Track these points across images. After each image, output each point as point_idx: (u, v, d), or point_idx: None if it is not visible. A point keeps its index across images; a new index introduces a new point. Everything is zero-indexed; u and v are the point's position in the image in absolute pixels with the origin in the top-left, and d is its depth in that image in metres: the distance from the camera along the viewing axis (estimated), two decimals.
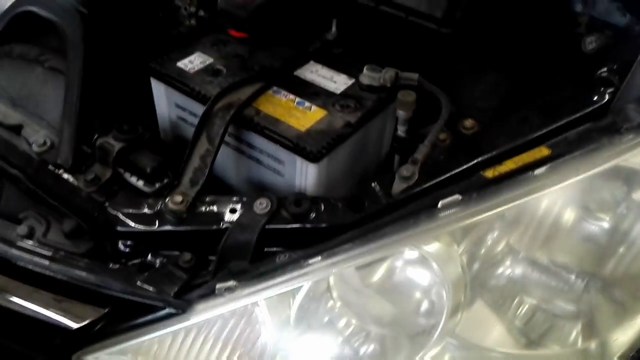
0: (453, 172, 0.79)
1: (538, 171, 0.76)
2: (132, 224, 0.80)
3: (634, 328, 0.76)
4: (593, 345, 0.77)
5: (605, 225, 0.79)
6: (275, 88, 0.95)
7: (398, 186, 0.79)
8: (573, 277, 0.78)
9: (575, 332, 0.78)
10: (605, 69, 0.88)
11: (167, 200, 0.80)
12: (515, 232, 0.78)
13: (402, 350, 0.75)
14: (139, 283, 0.75)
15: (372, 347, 0.76)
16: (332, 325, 0.78)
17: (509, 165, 0.78)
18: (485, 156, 0.79)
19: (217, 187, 0.97)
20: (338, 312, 0.78)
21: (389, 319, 0.78)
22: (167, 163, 0.86)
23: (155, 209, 0.81)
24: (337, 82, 0.97)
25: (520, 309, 0.79)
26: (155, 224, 0.80)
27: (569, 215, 0.79)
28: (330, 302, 0.77)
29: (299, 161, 0.86)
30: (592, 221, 0.80)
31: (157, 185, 0.84)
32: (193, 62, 0.99)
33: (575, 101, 0.86)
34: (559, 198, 0.78)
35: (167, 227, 0.79)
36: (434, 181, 0.79)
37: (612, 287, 0.79)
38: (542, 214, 0.78)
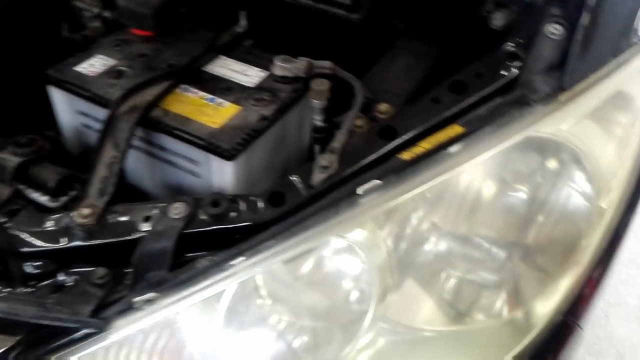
0: (371, 158, 0.78)
1: (453, 149, 0.77)
2: (37, 242, 0.74)
3: (558, 294, 0.79)
4: (520, 314, 0.79)
5: (523, 195, 0.82)
6: (184, 86, 0.91)
7: (317, 176, 0.78)
8: (494, 247, 0.80)
9: (501, 301, 0.79)
10: (511, 44, 0.90)
11: (74, 214, 0.75)
12: (437, 209, 0.79)
13: (335, 340, 0.75)
14: (51, 306, 0.70)
15: (304, 339, 0.75)
16: (264, 322, 0.76)
17: (424, 146, 0.78)
18: (401, 139, 0.80)
19: (133, 195, 0.93)
20: (269, 308, 0.76)
21: (321, 310, 0.77)
22: (72, 175, 0.81)
23: (62, 224, 0.76)
24: (249, 75, 0.95)
25: (448, 282, 0.80)
26: (63, 241, 0.74)
27: (487, 189, 0.81)
28: (260, 300, 0.75)
29: (214, 160, 0.83)
30: (510, 192, 0.82)
31: (63, 199, 0.79)
32: (94, 65, 0.93)
33: (484, 78, 0.88)
34: (476, 173, 0.80)
35: (77, 243, 0.74)
36: (353, 168, 0.78)
37: (534, 255, 0.82)
38: (461, 190, 0.79)
